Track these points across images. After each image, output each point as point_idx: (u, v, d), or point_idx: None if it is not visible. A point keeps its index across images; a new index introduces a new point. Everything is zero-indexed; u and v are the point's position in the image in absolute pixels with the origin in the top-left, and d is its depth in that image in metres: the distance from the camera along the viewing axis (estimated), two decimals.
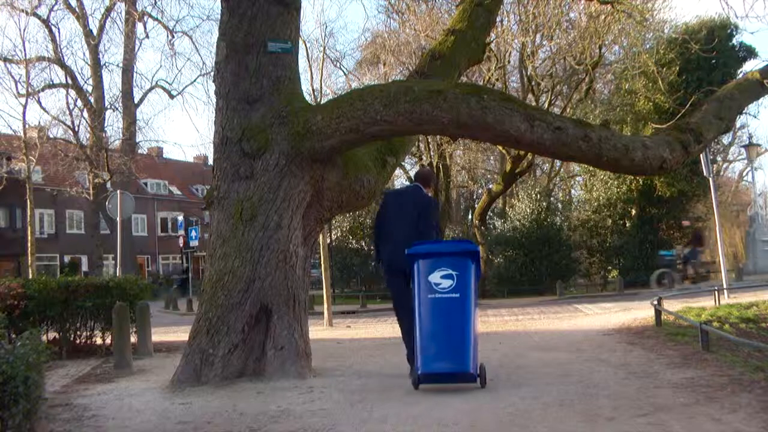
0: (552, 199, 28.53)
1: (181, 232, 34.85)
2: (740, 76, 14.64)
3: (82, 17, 29.50)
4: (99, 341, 8.83)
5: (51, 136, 27.75)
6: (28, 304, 8.07)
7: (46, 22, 28.02)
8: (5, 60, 25.55)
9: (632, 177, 19.99)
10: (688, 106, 9.75)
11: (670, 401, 4.37)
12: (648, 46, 18.80)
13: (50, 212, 38.93)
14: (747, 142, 21.79)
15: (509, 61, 23.41)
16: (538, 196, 23.05)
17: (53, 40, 28.16)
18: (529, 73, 23.27)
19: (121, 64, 31.45)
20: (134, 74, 32.15)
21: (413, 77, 8.32)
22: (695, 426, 3.76)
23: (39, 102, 27.13)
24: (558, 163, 28.60)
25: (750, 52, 20.58)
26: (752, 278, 19.50)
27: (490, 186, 29.18)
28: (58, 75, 28.64)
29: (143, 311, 8.49)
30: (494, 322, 11.69)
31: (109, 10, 30.23)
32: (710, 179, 13.78)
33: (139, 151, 35.48)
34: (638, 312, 10.81)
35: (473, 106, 5.57)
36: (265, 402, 4.89)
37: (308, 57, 15.86)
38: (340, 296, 22.86)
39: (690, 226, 19.68)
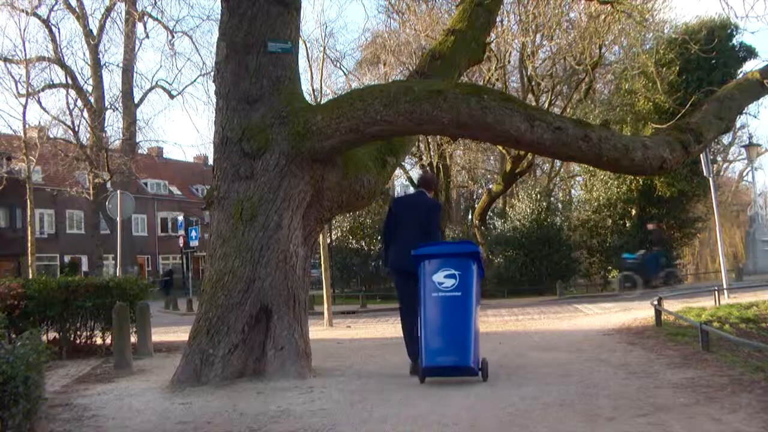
0: (552, 199, 28.52)
1: (181, 232, 34.83)
2: (740, 76, 14.65)
3: (82, 17, 29.51)
4: (99, 341, 8.83)
5: (51, 136, 27.76)
6: (28, 304, 8.07)
7: (46, 22, 28.03)
8: (5, 60, 25.57)
9: (632, 177, 19.97)
10: (688, 106, 9.73)
11: (670, 401, 4.37)
12: (648, 46, 18.80)
13: (50, 212, 38.96)
14: (747, 142, 21.78)
15: (509, 61, 23.42)
16: (538, 196, 23.05)
17: (53, 40, 28.19)
18: (529, 73, 23.27)
19: (121, 64, 31.47)
20: (134, 74, 32.19)
21: (413, 77, 8.32)
22: (695, 426, 3.76)
23: (39, 102, 27.16)
24: (558, 163, 28.60)
25: (750, 52, 20.56)
26: (752, 278, 19.48)
27: (490, 186, 29.18)
28: (58, 75, 28.68)
29: (143, 311, 8.49)
30: (494, 322, 11.69)
31: (109, 10, 30.26)
32: (710, 179, 13.77)
33: (139, 151, 35.50)
34: (638, 312, 10.80)
35: (473, 106, 5.57)
36: (265, 402, 4.89)
37: (308, 57, 15.86)
38: (340, 296, 22.85)
39: (654, 229, 19.74)
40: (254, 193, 6.05)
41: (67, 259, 39.28)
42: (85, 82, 29.18)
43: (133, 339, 8.17)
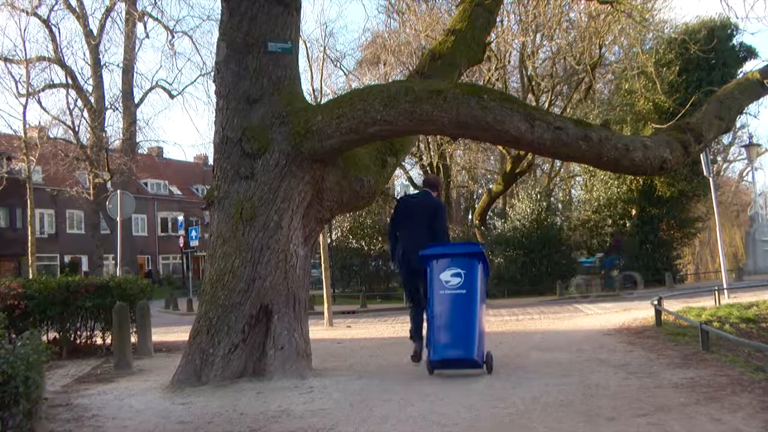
0: (552, 199, 28.52)
1: (181, 232, 34.81)
2: (740, 76, 14.63)
3: (82, 17, 29.51)
4: (99, 341, 8.83)
5: (51, 136, 27.78)
6: (28, 304, 8.07)
7: (46, 22, 28.03)
8: (5, 60, 25.57)
9: (632, 177, 19.98)
10: (688, 106, 9.74)
11: (670, 401, 4.37)
12: (648, 46, 18.79)
13: (50, 212, 38.98)
14: (747, 142, 21.79)
15: (509, 61, 23.44)
16: (538, 196, 23.03)
17: (53, 40, 28.19)
18: (529, 73, 23.28)
19: (121, 64, 31.46)
20: (134, 74, 32.18)
21: (413, 77, 8.32)
22: (695, 426, 3.76)
23: (39, 102, 27.18)
24: (558, 163, 28.61)
25: (750, 52, 20.56)
26: (752, 278, 19.49)
27: (491, 186, 29.20)
28: (59, 75, 28.68)
29: (143, 311, 8.49)
30: (494, 322, 11.69)
31: (109, 10, 30.25)
32: (710, 179, 13.77)
33: (139, 151, 35.52)
34: (638, 312, 10.81)
35: (473, 106, 5.56)
36: (265, 402, 4.89)
37: (308, 57, 15.85)
38: (340, 296, 22.84)
39: (613, 234, 19.91)
40: (254, 193, 6.05)
41: (67, 259, 39.32)
42: (85, 82, 29.21)
43: (133, 339, 8.18)
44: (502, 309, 14.68)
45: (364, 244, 24.49)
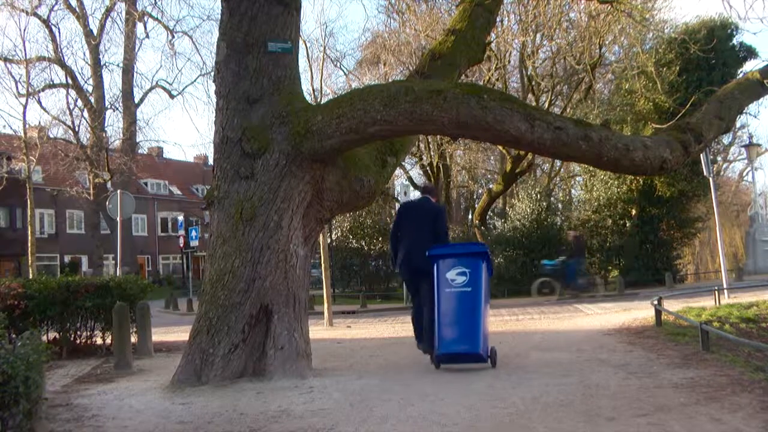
0: (552, 199, 28.49)
1: (181, 232, 34.82)
2: (740, 76, 14.62)
3: (82, 17, 29.54)
4: (99, 341, 8.83)
5: (51, 136, 27.81)
6: (28, 304, 8.07)
7: (46, 22, 28.06)
8: (5, 60, 25.60)
9: (632, 177, 19.98)
10: (688, 106, 9.74)
11: (670, 401, 4.37)
12: (648, 46, 18.77)
13: (50, 212, 38.99)
14: (747, 142, 21.79)
15: (509, 61, 23.43)
16: (538, 196, 23.01)
17: (53, 40, 28.22)
18: (529, 73, 23.27)
19: (121, 64, 31.50)
20: (134, 74, 32.23)
21: (413, 77, 8.32)
22: (695, 426, 3.76)
23: (39, 102, 27.23)
24: (558, 163, 28.60)
25: (750, 52, 20.54)
26: (752, 278, 19.49)
27: (491, 186, 29.18)
28: (59, 75, 28.72)
29: (143, 311, 8.48)
30: (494, 322, 11.67)
31: (109, 10, 30.29)
32: (710, 179, 13.76)
33: (140, 151, 35.56)
34: (638, 312, 10.80)
35: (473, 106, 5.56)
36: (265, 402, 4.89)
37: (308, 57, 15.86)
38: (341, 296, 22.82)
39: (575, 237, 19.96)
40: (254, 193, 6.05)
41: (67, 259, 39.31)
42: (85, 82, 29.25)
43: (133, 339, 8.17)
44: (502, 309, 14.67)
45: (364, 244, 24.49)
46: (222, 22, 6.54)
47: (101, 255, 30.75)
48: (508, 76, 24.27)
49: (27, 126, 25.17)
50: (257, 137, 6.11)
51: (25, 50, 26.04)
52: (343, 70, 31.85)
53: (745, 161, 35.22)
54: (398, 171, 26.10)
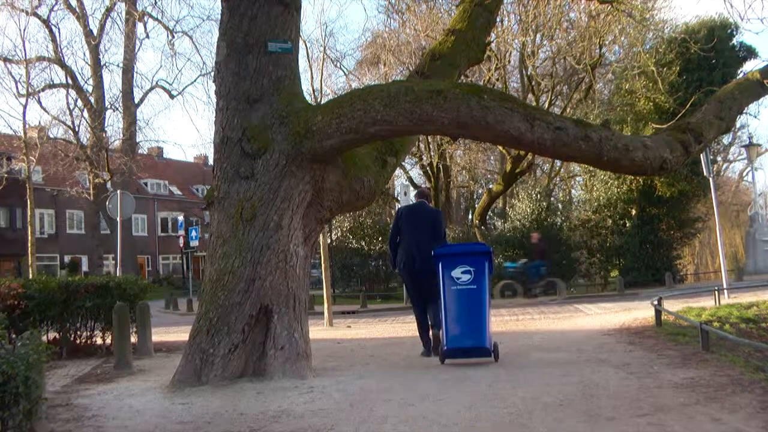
0: (552, 199, 28.47)
1: (181, 232, 34.86)
2: (740, 76, 14.62)
3: (82, 17, 29.54)
4: (99, 341, 8.83)
5: (51, 136, 27.82)
6: (28, 304, 8.06)
7: (46, 22, 28.08)
8: (5, 60, 25.62)
9: (632, 177, 19.98)
10: (688, 106, 9.74)
11: (670, 401, 4.37)
12: (648, 46, 18.77)
13: (50, 212, 39.01)
14: (747, 142, 21.79)
15: (509, 61, 23.43)
16: (538, 196, 23.01)
17: (53, 40, 28.24)
18: (529, 73, 23.26)
19: (121, 64, 31.51)
20: (134, 74, 32.24)
21: (413, 77, 8.31)
22: (695, 426, 3.76)
23: (39, 102, 27.25)
24: (558, 163, 28.58)
25: (750, 52, 20.53)
26: (752, 278, 19.49)
27: (491, 186, 29.17)
28: (59, 75, 28.74)
29: (143, 311, 8.48)
30: (494, 322, 11.63)
31: (109, 10, 30.30)
32: (710, 179, 13.76)
33: (140, 151, 35.55)
34: (638, 312, 10.80)
35: (473, 106, 5.56)
36: (265, 402, 4.89)
37: (308, 57, 15.91)
38: (341, 296, 22.82)
39: (538, 239, 20.01)
40: (254, 193, 6.05)
41: (67, 259, 39.31)
42: (85, 82, 29.25)
43: (133, 339, 8.17)
44: (502, 309, 14.67)
45: (364, 244, 24.48)
46: (222, 22, 6.54)
47: (101, 255, 30.77)
48: (508, 76, 24.27)
49: (27, 126, 25.20)
50: (257, 137, 6.11)
51: (25, 50, 26.15)
52: (343, 71, 31.88)
53: (745, 161, 35.26)
54: (398, 171, 26.13)
